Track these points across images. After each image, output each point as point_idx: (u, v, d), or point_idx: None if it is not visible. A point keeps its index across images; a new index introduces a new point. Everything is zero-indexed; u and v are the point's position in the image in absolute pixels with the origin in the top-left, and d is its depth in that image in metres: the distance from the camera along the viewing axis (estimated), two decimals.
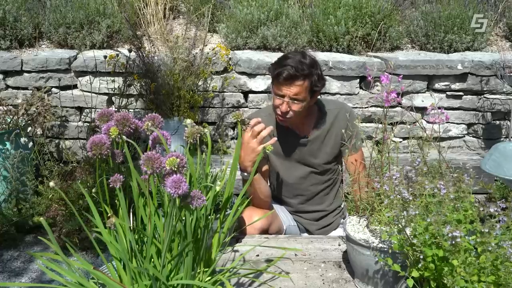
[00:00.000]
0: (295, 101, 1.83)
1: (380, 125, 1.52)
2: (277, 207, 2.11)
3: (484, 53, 3.69)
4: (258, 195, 1.90)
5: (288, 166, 2.01)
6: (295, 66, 1.80)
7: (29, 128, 3.00)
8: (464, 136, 3.61)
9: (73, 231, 2.40)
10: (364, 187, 1.48)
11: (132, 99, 3.41)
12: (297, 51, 1.98)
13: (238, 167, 1.88)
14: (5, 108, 2.94)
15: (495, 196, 2.81)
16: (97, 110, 3.35)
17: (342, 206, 2.11)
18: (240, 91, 3.47)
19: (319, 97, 2.04)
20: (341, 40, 3.59)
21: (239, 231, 1.77)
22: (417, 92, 3.48)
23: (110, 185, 1.14)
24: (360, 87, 3.48)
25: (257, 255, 1.63)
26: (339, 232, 2.06)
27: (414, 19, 3.92)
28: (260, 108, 2.13)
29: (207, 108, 3.49)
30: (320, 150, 1.99)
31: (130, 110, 3.41)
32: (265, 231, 1.95)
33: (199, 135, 1.24)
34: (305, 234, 2.12)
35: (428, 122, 3.44)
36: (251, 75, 3.43)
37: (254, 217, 1.91)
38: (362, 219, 1.48)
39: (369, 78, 1.54)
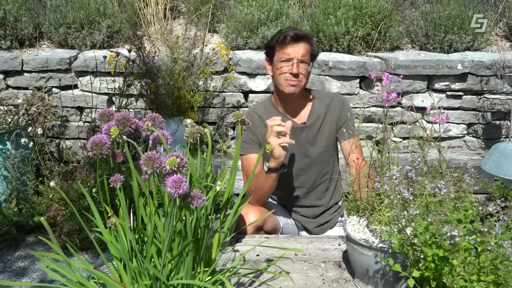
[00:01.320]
0: (302, 63, 1.90)
1: (380, 125, 1.52)
2: (273, 205, 2.11)
3: (484, 53, 3.69)
4: (259, 187, 1.89)
5: (286, 157, 2.01)
6: (296, 30, 1.92)
7: (30, 128, 3.00)
8: (464, 136, 3.61)
9: (73, 231, 2.40)
10: (364, 187, 1.48)
11: (133, 99, 3.41)
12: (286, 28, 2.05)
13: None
14: (6, 108, 2.95)
15: (495, 196, 2.82)
16: (97, 110, 3.35)
17: (340, 203, 2.12)
18: (240, 91, 3.48)
19: (314, 89, 2.12)
20: (341, 40, 3.59)
21: (234, 228, 1.76)
22: (417, 92, 3.49)
23: (111, 185, 1.14)
24: (360, 87, 3.48)
25: (257, 255, 1.63)
26: (336, 230, 2.06)
27: (414, 19, 3.92)
28: (246, 110, 2.15)
29: (207, 108, 3.49)
30: (317, 137, 2.02)
31: (130, 110, 3.41)
32: (259, 228, 1.96)
33: (199, 135, 1.25)
34: (304, 233, 2.12)
35: (428, 122, 3.44)
36: (251, 75, 3.43)
37: (249, 214, 1.92)
38: (362, 219, 1.48)
39: (372, 77, 1.54)
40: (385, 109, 1.47)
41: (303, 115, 2.03)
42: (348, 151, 1.91)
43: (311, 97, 2.05)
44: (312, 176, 2.05)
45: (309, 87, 2.09)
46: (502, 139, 3.54)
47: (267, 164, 1.82)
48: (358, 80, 3.45)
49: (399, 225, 1.18)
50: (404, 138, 3.55)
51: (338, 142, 2.07)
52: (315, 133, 2.02)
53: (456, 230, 1.04)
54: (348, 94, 3.45)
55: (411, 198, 1.21)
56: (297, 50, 1.89)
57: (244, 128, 1.39)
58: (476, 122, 3.55)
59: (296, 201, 2.09)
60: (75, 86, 3.49)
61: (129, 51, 3.14)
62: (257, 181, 1.84)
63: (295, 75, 1.89)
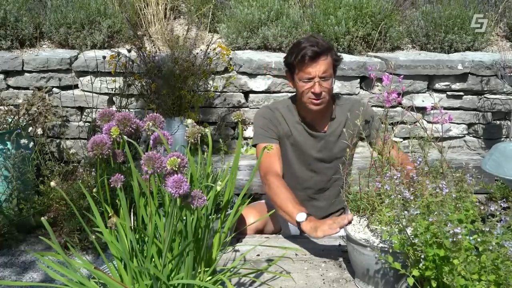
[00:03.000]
0: (324, 79, 1.83)
1: (381, 125, 1.53)
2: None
3: (484, 53, 3.69)
4: (277, 208, 1.79)
5: (302, 160, 2.00)
6: (315, 44, 1.81)
7: (30, 128, 3.00)
8: (465, 136, 3.61)
9: (74, 230, 2.40)
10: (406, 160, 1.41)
11: (133, 99, 3.41)
12: (304, 37, 1.97)
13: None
14: (6, 108, 2.95)
15: (495, 196, 2.82)
16: (98, 110, 3.35)
17: (344, 207, 2.11)
18: (240, 91, 3.48)
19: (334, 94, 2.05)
20: (341, 40, 3.59)
21: (234, 230, 1.76)
22: (418, 92, 3.48)
23: (111, 185, 1.14)
24: (361, 87, 3.48)
25: (258, 255, 1.63)
26: (338, 232, 2.05)
27: (414, 19, 3.92)
28: (267, 104, 2.09)
29: (208, 108, 3.49)
30: (336, 144, 1.99)
31: (130, 110, 3.41)
32: (260, 231, 1.95)
33: (200, 135, 1.25)
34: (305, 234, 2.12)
35: (428, 122, 3.44)
36: (252, 75, 3.43)
37: (249, 217, 1.91)
38: (363, 219, 1.48)
39: (372, 76, 1.53)
40: (386, 109, 1.47)
41: (324, 123, 1.99)
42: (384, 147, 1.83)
43: (332, 104, 2.01)
44: (323, 179, 2.03)
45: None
46: (502, 139, 3.54)
47: (302, 221, 1.61)
48: (359, 80, 3.45)
49: (400, 225, 1.18)
50: (404, 138, 3.55)
51: (370, 145, 1.97)
52: (334, 140, 1.99)
53: (459, 228, 1.04)
54: (349, 94, 3.45)
55: (411, 198, 1.21)
56: (318, 68, 1.81)
57: (245, 128, 1.39)
58: (477, 122, 3.55)
59: (301, 202, 2.08)
60: (76, 86, 3.49)
61: (129, 51, 3.14)
62: (281, 207, 1.72)
63: (319, 94, 1.84)
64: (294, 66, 1.85)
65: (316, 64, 1.81)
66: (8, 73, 3.44)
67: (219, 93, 3.45)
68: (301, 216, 1.61)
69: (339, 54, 1.95)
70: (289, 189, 1.76)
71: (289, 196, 1.72)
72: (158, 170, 1.05)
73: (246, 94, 3.50)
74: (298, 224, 1.61)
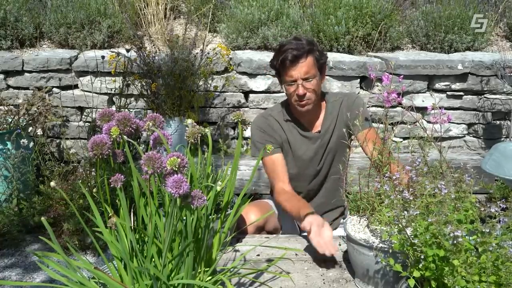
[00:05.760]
0: (308, 80, 1.85)
1: (381, 125, 1.53)
2: (276, 206, 2.11)
3: (484, 53, 3.69)
4: (285, 210, 1.87)
5: (300, 163, 2.01)
6: (295, 48, 1.84)
7: (30, 128, 3.00)
8: (465, 136, 3.61)
9: (74, 230, 2.40)
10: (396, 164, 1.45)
11: (133, 99, 3.41)
12: (289, 39, 2.01)
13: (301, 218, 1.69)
14: (6, 108, 2.95)
15: (495, 196, 2.81)
16: (98, 110, 3.35)
17: (345, 204, 2.11)
18: (240, 91, 3.48)
19: (326, 91, 2.08)
20: (341, 40, 3.59)
21: (234, 229, 1.76)
22: (418, 92, 3.48)
23: (111, 185, 1.14)
24: (361, 87, 3.48)
25: (258, 255, 1.63)
26: (338, 232, 2.06)
27: (414, 19, 3.92)
28: (264, 109, 2.12)
29: (207, 108, 3.49)
30: (330, 142, 2.00)
31: (130, 110, 3.41)
32: (260, 228, 1.96)
33: (200, 135, 1.25)
34: (305, 233, 2.12)
35: (428, 122, 3.44)
36: (252, 75, 3.43)
37: (250, 214, 1.92)
38: (363, 219, 1.48)
39: (372, 77, 1.53)
40: (386, 109, 1.47)
41: (318, 123, 2.00)
42: (365, 141, 1.81)
43: (324, 102, 2.02)
44: (320, 178, 2.04)
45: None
46: (502, 139, 3.54)
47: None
48: (359, 80, 3.45)
49: (400, 225, 1.18)
50: (404, 138, 3.55)
51: (354, 138, 1.99)
52: (328, 138, 2.00)
53: (459, 231, 1.04)
54: None
55: (411, 198, 1.21)
56: (299, 70, 1.83)
57: (245, 128, 1.39)
58: (477, 122, 3.55)
59: None
60: (76, 86, 3.49)
61: (128, 51, 3.14)
62: (289, 208, 1.79)
63: (302, 96, 1.86)
64: (279, 70, 1.90)
65: (297, 67, 1.83)
66: (8, 73, 3.44)
67: (219, 93, 3.45)
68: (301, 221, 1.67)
69: (323, 50, 1.96)
70: (296, 196, 1.83)
71: (298, 203, 1.79)
72: (158, 170, 1.05)
73: (246, 94, 3.50)
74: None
